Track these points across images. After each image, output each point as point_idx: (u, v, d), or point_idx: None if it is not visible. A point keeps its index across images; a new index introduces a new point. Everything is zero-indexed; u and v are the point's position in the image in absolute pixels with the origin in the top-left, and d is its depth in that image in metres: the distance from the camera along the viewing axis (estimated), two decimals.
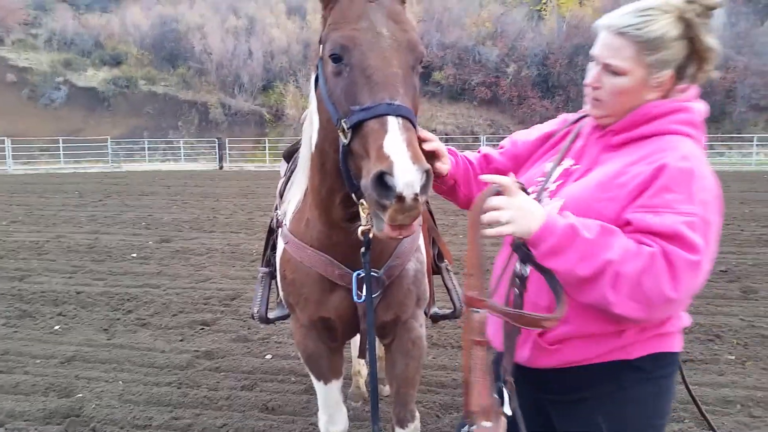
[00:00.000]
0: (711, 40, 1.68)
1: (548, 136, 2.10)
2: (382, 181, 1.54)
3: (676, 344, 1.80)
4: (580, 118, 2.01)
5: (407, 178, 1.51)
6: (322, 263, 2.33)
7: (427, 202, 2.80)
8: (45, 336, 5.73)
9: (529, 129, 2.24)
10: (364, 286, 2.13)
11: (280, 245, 2.60)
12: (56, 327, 5.95)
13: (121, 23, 47.80)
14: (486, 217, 1.63)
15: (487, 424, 1.58)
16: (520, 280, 1.77)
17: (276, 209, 2.89)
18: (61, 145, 30.42)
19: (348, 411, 3.02)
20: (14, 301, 6.73)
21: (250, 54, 42.86)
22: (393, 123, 1.62)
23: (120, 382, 4.68)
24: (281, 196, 2.84)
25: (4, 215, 13.36)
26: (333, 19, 1.84)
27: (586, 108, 1.87)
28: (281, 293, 2.75)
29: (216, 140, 31.62)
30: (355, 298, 2.23)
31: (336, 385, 2.74)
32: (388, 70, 1.70)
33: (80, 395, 4.42)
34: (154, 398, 4.37)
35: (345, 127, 1.72)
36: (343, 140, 1.74)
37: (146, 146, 33.40)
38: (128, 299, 6.76)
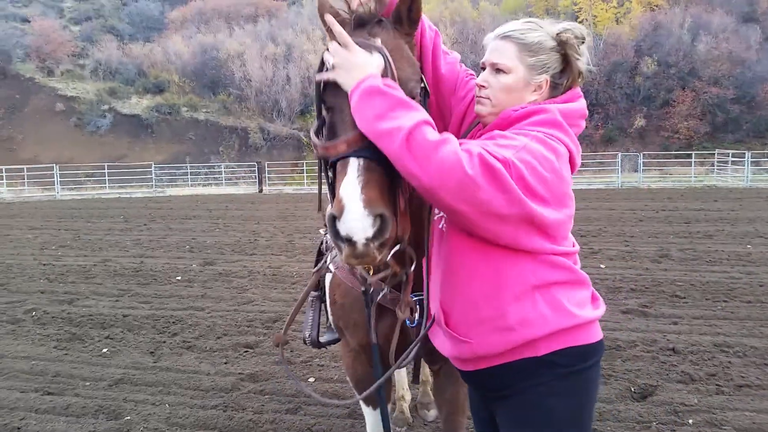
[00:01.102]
0: (581, 62, 1.92)
1: (474, 119, 2.11)
2: (333, 224, 1.54)
3: (590, 336, 1.86)
4: None
5: (352, 224, 1.51)
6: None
7: None
8: (93, 359, 5.84)
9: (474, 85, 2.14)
10: (418, 311, 2.11)
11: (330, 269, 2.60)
12: (104, 350, 6.06)
13: (164, 52, 49.34)
14: (325, 57, 1.78)
15: None
16: None
17: (325, 233, 2.90)
18: (106, 171, 31.31)
19: None
20: (64, 324, 6.89)
21: (288, 80, 43.68)
22: (353, 164, 1.60)
23: (167, 405, 4.72)
24: None
25: (54, 240, 13.76)
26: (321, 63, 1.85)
27: (476, 109, 1.98)
28: (330, 317, 2.74)
29: (256, 164, 32.12)
30: (407, 322, 2.20)
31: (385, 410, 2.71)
32: None
33: (128, 418, 4.48)
34: (201, 421, 4.40)
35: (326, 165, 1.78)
36: (332, 177, 1.76)
37: (188, 171, 34.10)
38: (173, 322, 6.85)
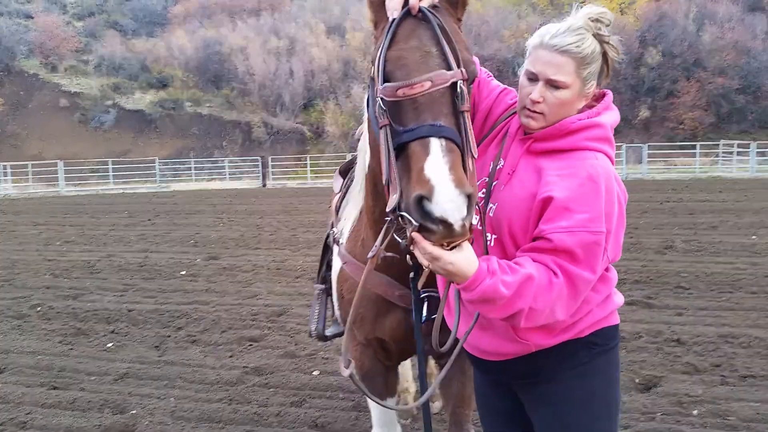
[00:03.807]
0: (614, 53, 1.92)
1: (499, 115, 2.13)
2: (421, 205, 1.50)
3: (616, 319, 2.04)
4: (514, 113, 2.05)
5: (448, 206, 1.47)
6: (382, 284, 2.31)
7: None
8: (99, 353, 5.86)
9: (498, 86, 2.20)
10: (425, 306, 2.11)
11: (337, 264, 2.59)
12: (109, 344, 6.08)
13: (167, 47, 49.31)
14: (425, 261, 1.66)
15: None
16: None
17: (332, 226, 2.89)
18: (110, 166, 31.31)
19: None
20: (69, 319, 6.92)
21: (291, 74, 43.63)
22: (435, 144, 1.56)
23: (172, 398, 4.74)
24: (337, 213, 2.84)
25: (58, 235, 13.80)
26: (383, 39, 1.78)
27: (523, 121, 1.93)
28: (337, 311, 2.74)
29: (259, 159, 32.09)
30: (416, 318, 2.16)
31: (391, 402, 2.71)
32: (435, 92, 1.65)
33: (134, 412, 4.50)
34: (206, 415, 4.42)
35: (392, 149, 1.67)
36: (392, 161, 1.68)
37: (192, 166, 34.10)
38: (178, 316, 6.88)
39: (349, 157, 2.99)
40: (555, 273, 1.73)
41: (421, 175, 1.53)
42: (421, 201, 1.50)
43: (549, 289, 1.72)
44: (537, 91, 1.87)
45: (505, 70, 40.08)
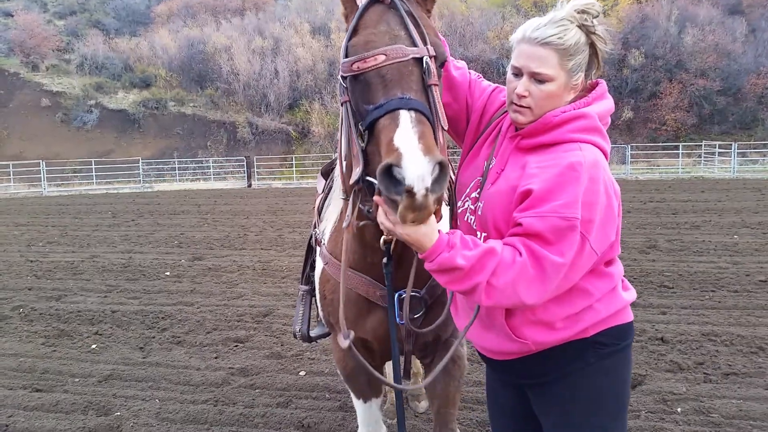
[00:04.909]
0: (602, 44, 1.90)
1: (493, 113, 2.16)
2: (390, 173, 1.49)
3: (627, 315, 1.99)
4: (506, 111, 2.07)
5: (416, 169, 1.45)
6: (363, 284, 2.31)
7: None
8: (82, 355, 5.81)
9: (489, 85, 2.25)
10: (402, 302, 2.10)
11: (319, 264, 2.59)
12: (93, 346, 6.03)
13: (150, 46, 48.84)
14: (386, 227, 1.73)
15: None
16: None
17: (315, 227, 2.88)
18: (93, 166, 31.02)
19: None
20: (52, 321, 6.84)
21: (276, 74, 43.41)
22: (404, 116, 1.58)
23: (156, 400, 4.71)
24: (319, 214, 2.84)
25: (41, 236, 13.65)
26: (352, 27, 1.83)
27: (512, 116, 1.95)
28: (321, 312, 2.74)
29: (244, 159, 31.96)
30: (397, 319, 2.16)
31: (376, 403, 2.72)
32: (403, 68, 1.68)
33: (118, 413, 4.46)
34: (191, 416, 4.39)
35: (361, 129, 1.69)
36: (361, 144, 1.71)
37: (176, 166, 33.88)
38: (163, 317, 6.82)
39: (333, 157, 2.98)
40: (519, 252, 1.73)
41: (390, 145, 1.53)
42: (390, 169, 1.49)
43: (510, 266, 1.71)
44: (522, 85, 1.88)
45: (490, 71, 40.31)
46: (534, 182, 1.77)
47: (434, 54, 1.76)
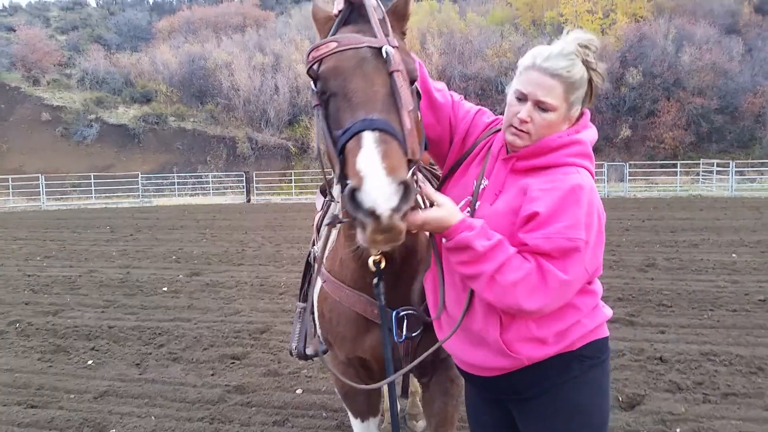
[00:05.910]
0: (600, 81, 1.99)
1: (478, 135, 2.22)
2: (354, 198, 1.48)
3: (605, 331, 2.08)
4: (495, 132, 2.15)
5: (377, 193, 1.45)
6: (361, 303, 2.30)
7: None
8: (78, 371, 5.77)
9: (472, 107, 2.30)
10: (404, 325, 2.10)
11: (318, 282, 2.58)
12: (89, 362, 5.99)
13: (151, 62, 49.10)
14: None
15: None
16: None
17: (313, 244, 2.88)
18: (92, 181, 31.06)
19: None
20: (48, 336, 6.81)
21: (276, 89, 43.60)
22: (368, 137, 1.57)
23: (152, 417, 4.67)
24: (318, 231, 2.83)
25: (39, 250, 13.62)
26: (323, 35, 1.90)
27: (509, 139, 1.99)
28: (319, 330, 2.72)
29: (243, 174, 32.02)
30: (395, 337, 2.15)
31: (373, 422, 2.70)
32: (369, 89, 1.68)
33: (113, 431, 4.42)
34: None
35: (336, 156, 1.69)
36: (338, 171, 1.69)
37: (176, 181, 33.90)
38: (159, 333, 6.79)
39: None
40: (527, 259, 1.82)
41: (354, 168, 1.53)
42: (354, 193, 1.49)
43: (517, 268, 1.78)
44: (525, 110, 1.94)
45: (489, 89, 40.55)
46: (539, 205, 1.84)
47: (396, 45, 1.78)
